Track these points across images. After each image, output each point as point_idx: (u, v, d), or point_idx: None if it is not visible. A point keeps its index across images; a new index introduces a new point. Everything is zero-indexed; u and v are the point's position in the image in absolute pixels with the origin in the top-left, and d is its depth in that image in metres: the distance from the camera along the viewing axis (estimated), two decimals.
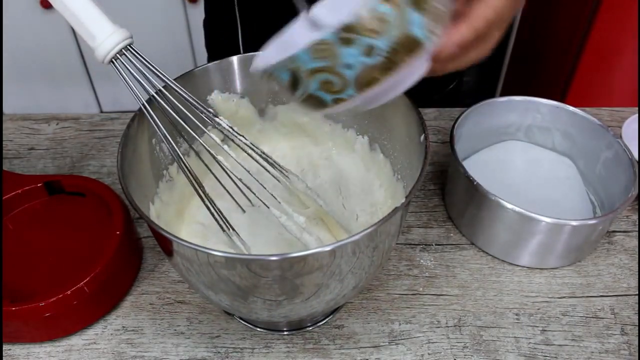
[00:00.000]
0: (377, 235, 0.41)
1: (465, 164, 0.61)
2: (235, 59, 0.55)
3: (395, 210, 0.40)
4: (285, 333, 0.54)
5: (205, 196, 0.48)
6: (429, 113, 0.78)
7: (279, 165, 0.50)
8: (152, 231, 0.44)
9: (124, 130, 0.47)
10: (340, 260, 0.40)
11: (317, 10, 0.44)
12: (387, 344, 0.53)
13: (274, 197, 0.50)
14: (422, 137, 0.46)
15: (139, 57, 0.45)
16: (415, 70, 0.39)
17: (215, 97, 0.55)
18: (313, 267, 0.39)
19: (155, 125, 0.46)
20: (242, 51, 0.81)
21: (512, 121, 0.69)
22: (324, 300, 0.44)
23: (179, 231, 0.54)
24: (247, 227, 0.53)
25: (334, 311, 0.55)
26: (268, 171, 0.51)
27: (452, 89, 0.89)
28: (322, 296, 0.43)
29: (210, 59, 0.91)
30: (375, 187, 0.57)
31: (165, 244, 0.43)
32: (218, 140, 0.49)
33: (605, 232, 0.62)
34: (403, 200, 0.41)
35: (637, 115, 0.70)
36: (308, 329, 0.54)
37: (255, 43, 0.48)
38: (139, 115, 0.48)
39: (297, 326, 0.54)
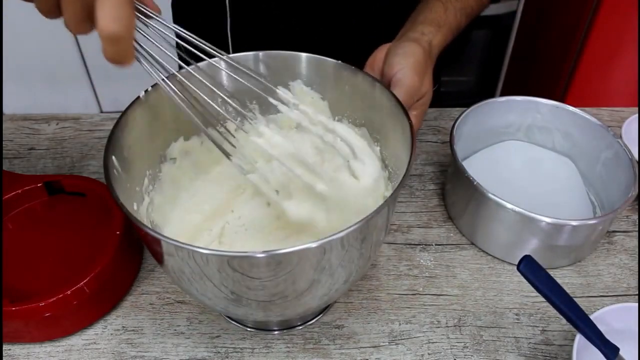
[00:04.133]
0: (347, 240, 0.40)
1: (465, 164, 0.61)
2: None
3: (364, 218, 0.39)
4: (283, 332, 0.54)
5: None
6: (429, 113, 0.78)
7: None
8: (134, 226, 0.42)
9: (119, 117, 0.46)
10: (330, 255, 0.40)
11: None
12: (387, 344, 0.53)
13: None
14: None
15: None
16: None
17: (297, 86, 0.55)
18: (301, 262, 0.40)
19: (173, 93, 0.44)
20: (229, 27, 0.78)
21: (512, 121, 0.69)
22: (317, 295, 0.44)
23: (171, 221, 0.53)
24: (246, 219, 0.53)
25: (328, 306, 0.55)
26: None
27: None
28: (315, 291, 0.44)
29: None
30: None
31: (151, 243, 0.43)
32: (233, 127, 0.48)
33: (605, 232, 0.62)
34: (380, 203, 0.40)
35: (637, 115, 0.70)
36: (309, 326, 0.54)
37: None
38: (136, 102, 0.48)
39: (293, 325, 0.54)
